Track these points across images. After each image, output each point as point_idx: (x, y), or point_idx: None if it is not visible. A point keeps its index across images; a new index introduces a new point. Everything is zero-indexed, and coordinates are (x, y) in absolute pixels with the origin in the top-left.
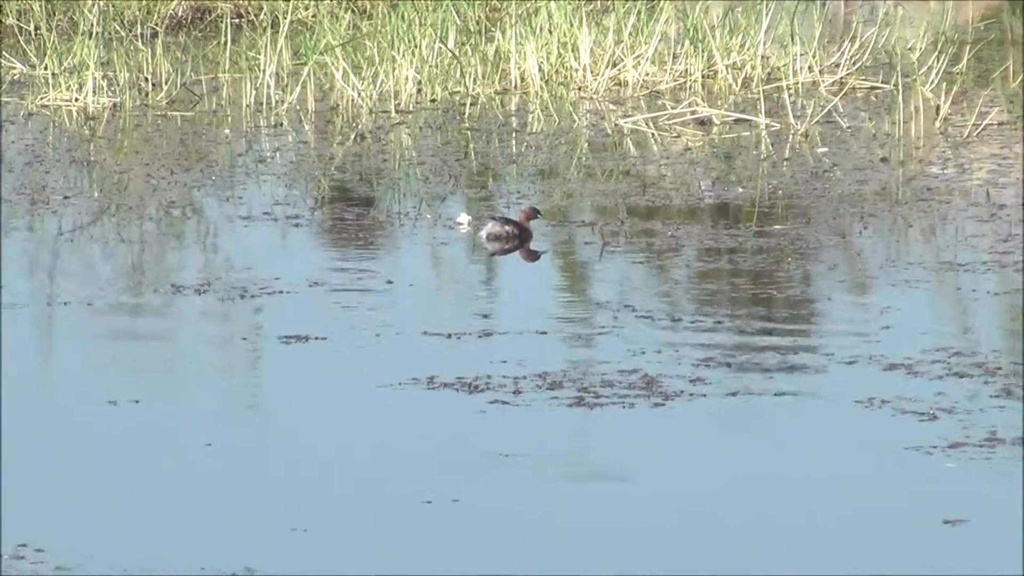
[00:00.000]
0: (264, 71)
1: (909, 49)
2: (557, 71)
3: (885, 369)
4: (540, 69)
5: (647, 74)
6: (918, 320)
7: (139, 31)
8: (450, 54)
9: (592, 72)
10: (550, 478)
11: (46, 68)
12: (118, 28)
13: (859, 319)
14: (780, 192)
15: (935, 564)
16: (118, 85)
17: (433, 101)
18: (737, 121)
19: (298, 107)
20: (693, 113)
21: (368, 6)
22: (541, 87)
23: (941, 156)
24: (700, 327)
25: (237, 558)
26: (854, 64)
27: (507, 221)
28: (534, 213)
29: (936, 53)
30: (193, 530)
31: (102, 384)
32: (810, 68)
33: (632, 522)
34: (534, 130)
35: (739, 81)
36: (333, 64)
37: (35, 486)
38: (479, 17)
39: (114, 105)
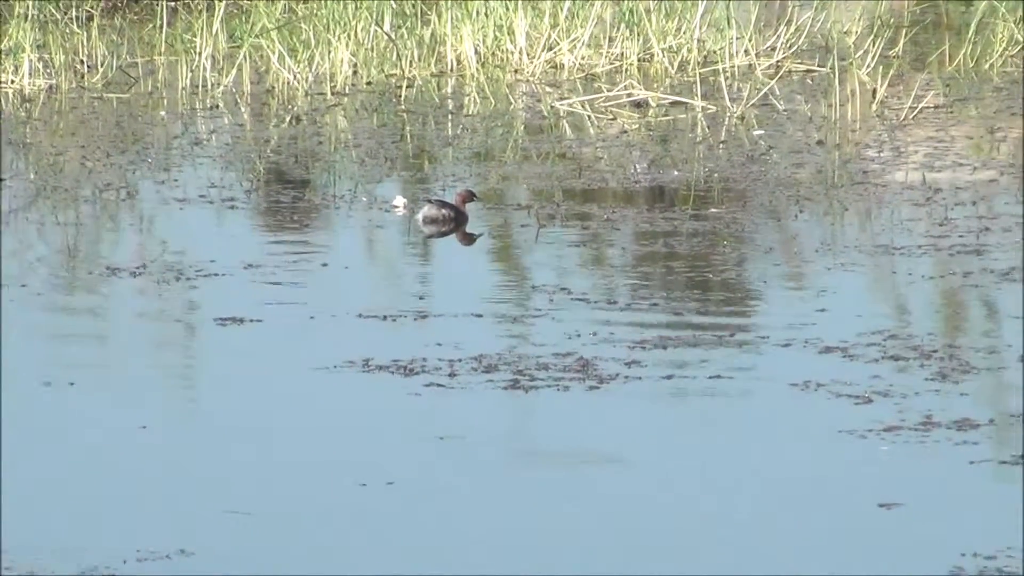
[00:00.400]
0: (200, 54)
1: (845, 32)
2: (493, 54)
3: (820, 352)
4: (476, 52)
5: (583, 57)
6: (854, 303)
7: (75, 13)
8: (386, 37)
9: (528, 55)
10: (485, 461)
11: None
12: (54, 10)
13: (795, 302)
14: (716, 175)
15: (870, 547)
16: (54, 67)
17: (369, 84)
18: (673, 104)
19: (234, 90)
20: (629, 96)
21: None
22: (477, 70)
23: (877, 139)
24: (636, 310)
25: (172, 540)
26: (790, 47)
27: (443, 204)
28: (470, 196)
29: (872, 36)
30: (128, 512)
31: (36, 366)
32: (746, 51)
33: (566, 504)
34: (470, 113)
35: (675, 64)
36: (269, 47)
37: None
38: (415, 0)
39: (50, 87)
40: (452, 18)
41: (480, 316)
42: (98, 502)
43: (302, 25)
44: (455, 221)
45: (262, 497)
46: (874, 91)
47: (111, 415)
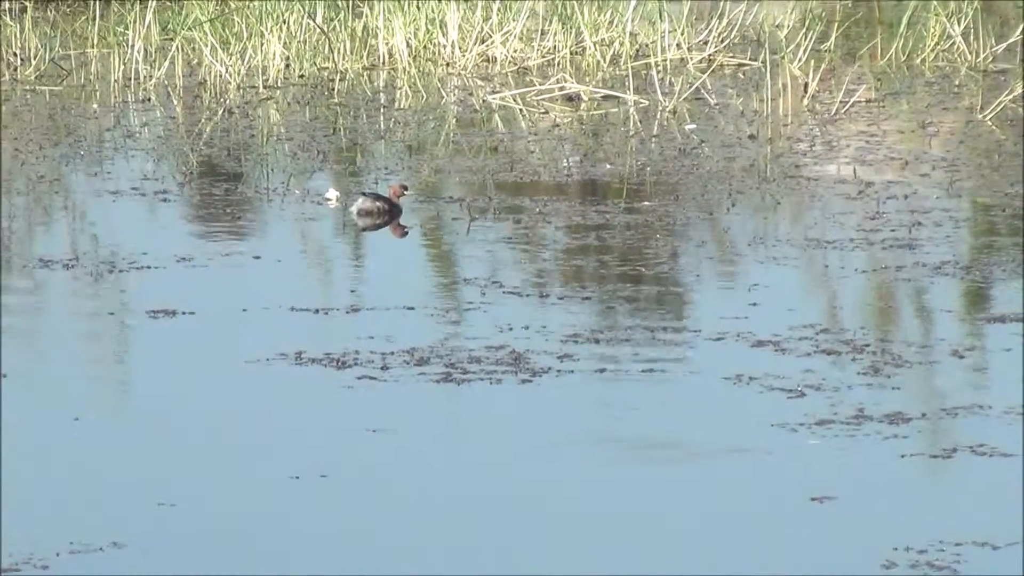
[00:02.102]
0: (132, 46)
1: (777, 26)
2: (425, 47)
3: (753, 346)
4: (408, 45)
5: (515, 50)
6: (786, 297)
7: (7, 6)
8: (318, 30)
9: (460, 48)
10: (417, 453)
11: None
12: None
13: (727, 296)
14: (648, 169)
15: (802, 541)
16: None
17: (301, 77)
18: (605, 98)
19: (166, 82)
20: (561, 89)
21: None
22: (409, 63)
23: (809, 134)
24: (568, 303)
25: (104, 533)
26: (722, 41)
27: (377, 197)
28: (403, 189)
29: (804, 31)
30: (60, 504)
31: None
32: (678, 45)
33: (494, 496)
34: (402, 106)
35: (607, 58)
36: (201, 39)
37: None
38: None
39: None
40: (384, 11)
41: (412, 309)
42: (30, 494)
43: (234, 18)
44: (389, 214)
45: (195, 489)
46: (806, 85)
47: (43, 407)
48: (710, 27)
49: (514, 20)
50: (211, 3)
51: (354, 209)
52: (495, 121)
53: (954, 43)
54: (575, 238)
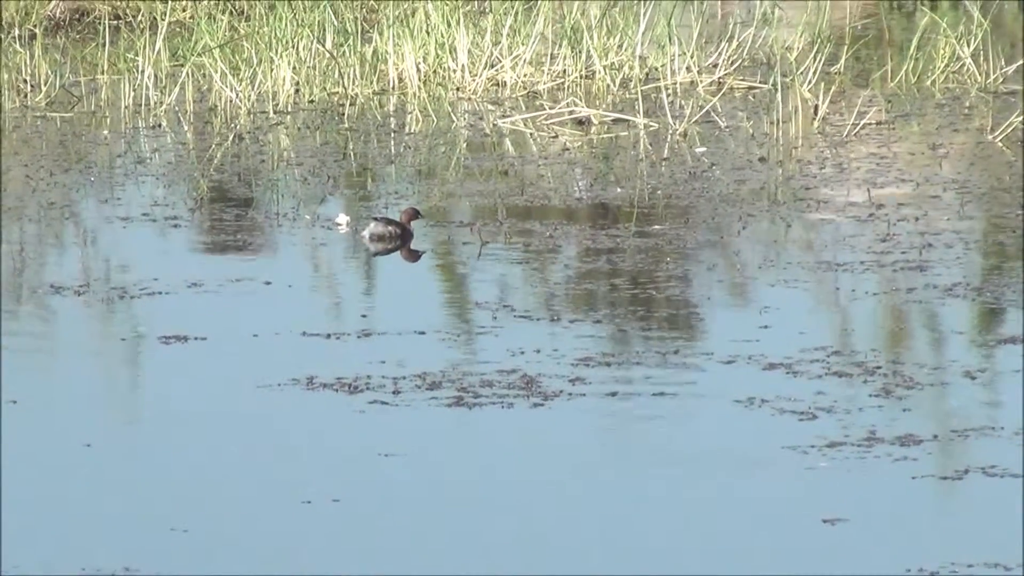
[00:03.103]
0: (142, 72)
1: (787, 49)
2: (435, 71)
3: (764, 369)
4: (418, 69)
5: (525, 75)
6: (797, 320)
7: (17, 33)
8: (328, 55)
9: (470, 72)
10: (429, 478)
11: None
12: None
13: (738, 319)
14: (659, 192)
15: (814, 563)
16: None
17: (311, 102)
18: (615, 121)
19: (177, 108)
20: (571, 113)
21: (246, 7)
22: (419, 88)
23: (819, 156)
24: (579, 327)
25: (117, 558)
26: (732, 64)
27: (389, 221)
28: (415, 214)
29: (814, 53)
30: (73, 530)
31: None
32: (688, 68)
33: (510, 523)
34: (412, 131)
35: (617, 81)
36: (211, 65)
37: None
38: (356, 18)
39: None
40: (394, 36)
41: (423, 333)
42: (42, 520)
43: (244, 43)
44: (401, 238)
45: (207, 515)
46: (816, 107)
47: (55, 433)
48: (720, 50)
49: (524, 44)
50: (221, 29)
51: (366, 234)
52: (505, 145)
53: (964, 65)
54: (586, 262)
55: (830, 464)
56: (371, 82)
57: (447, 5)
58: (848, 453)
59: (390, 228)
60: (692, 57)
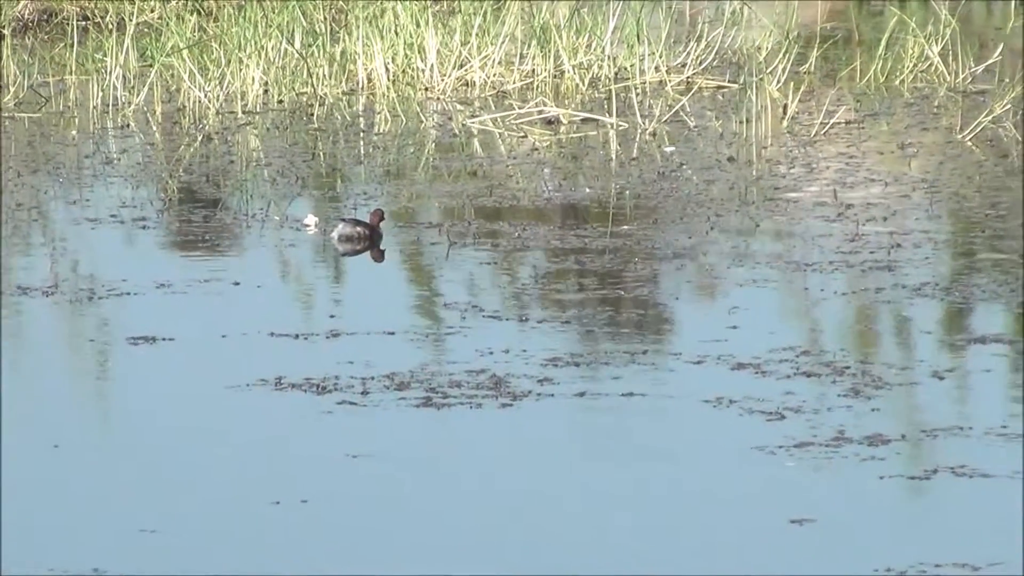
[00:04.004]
0: (111, 73)
1: (756, 48)
2: (404, 72)
3: (733, 369)
4: (387, 70)
5: (494, 74)
6: (766, 320)
7: None
8: (297, 55)
9: (439, 72)
10: (398, 478)
11: None
12: None
13: (707, 319)
14: (628, 192)
15: (782, 563)
16: None
17: (280, 102)
18: (584, 121)
19: (145, 109)
20: (540, 113)
21: (214, 8)
22: (388, 88)
23: (788, 155)
24: (548, 327)
25: (85, 559)
26: (701, 64)
27: (358, 222)
28: (382, 215)
29: (783, 52)
30: (41, 531)
31: None
32: (657, 68)
33: (479, 523)
34: (381, 131)
35: (586, 81)
36: (180, 66)
37: None
38: (325, 18)
39: None
40: (363, 36)
41: (392, 334)
42: (10, 521)
43: (213, 44)
44: (369, 239)
45: (176, 516)
46: (785, 107)
47: (22, 434)
48: (689, 49)
49: (493, 44)
50: (189, 29)
51: (335, 235)
52: (474, 145)
53: (933, 64)
54: (554, 262)
55: (797, 464)
56: (340, 82)
57: (416, 5)
58: (816, 453)
59: (358, 229)
60: (661, 57)
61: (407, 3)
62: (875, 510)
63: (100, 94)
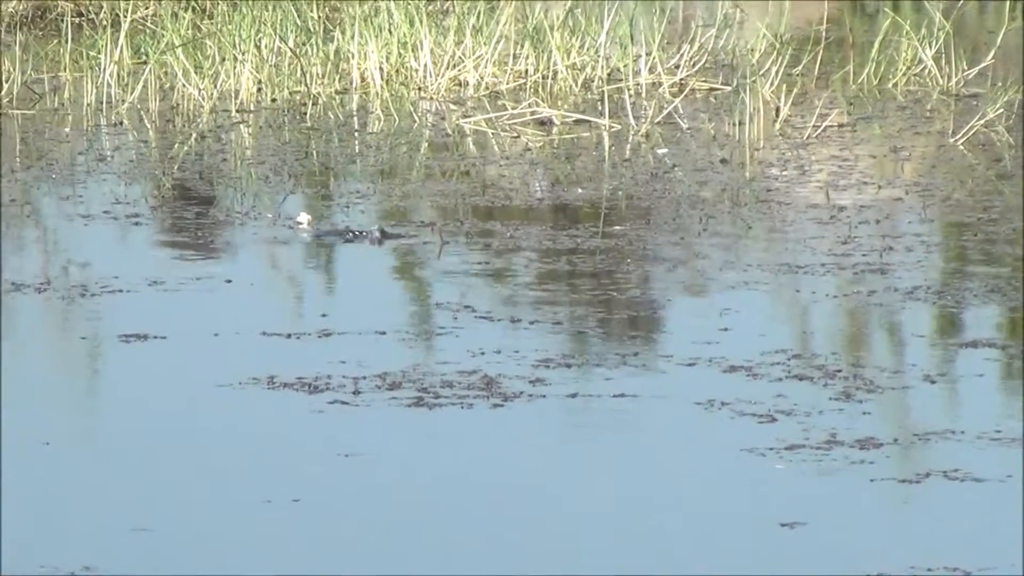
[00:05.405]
0: (105, 70)
1: (749, 51)
2: (398, 71)
3: (725, 371)
4: (380, 69)
5: (488, 75)
6: (757, 322)
7: None
8: (290, 54)
9: (433, 72)
10: (389, 478)
11: None
12: None
13: (699, 321)
14: (620, 193)
15: (772, 567)
16: None
17: (274, 101)
18: (577, 122)
19: (139, 106)
20: (533, 114)
21: (209, 6)
22: (382, 87)
23: (781, 157)
24: (540, 328)
25: (76, 557)
26: (694, 65)
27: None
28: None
29: (775, 55)
30: (31, 528)
31: None
32: (651, 69)
33: (470, 523)
34: (374, 130)
35: (579, 82)
36: (174, 63)
37: None
38: (319, 17)
39: None
40: (357, 35)
41: (384, 334)
42: (2, 519)
43: (207, 42)
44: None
45: (167, 514)
46: (778, 109)
47: (13, 431)
48: (681, 51)
49: (486, 44)
50: (184, 27)
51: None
52: (467, 145)
53: (926, 68)
54: (546, 263)
55: (787, 467)
56: (334, 81)
57: (410, 4)
58: (807, 456)
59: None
60: (655, 57)
61: (401, 2)
62: (866, 513)
63: (94, 91)
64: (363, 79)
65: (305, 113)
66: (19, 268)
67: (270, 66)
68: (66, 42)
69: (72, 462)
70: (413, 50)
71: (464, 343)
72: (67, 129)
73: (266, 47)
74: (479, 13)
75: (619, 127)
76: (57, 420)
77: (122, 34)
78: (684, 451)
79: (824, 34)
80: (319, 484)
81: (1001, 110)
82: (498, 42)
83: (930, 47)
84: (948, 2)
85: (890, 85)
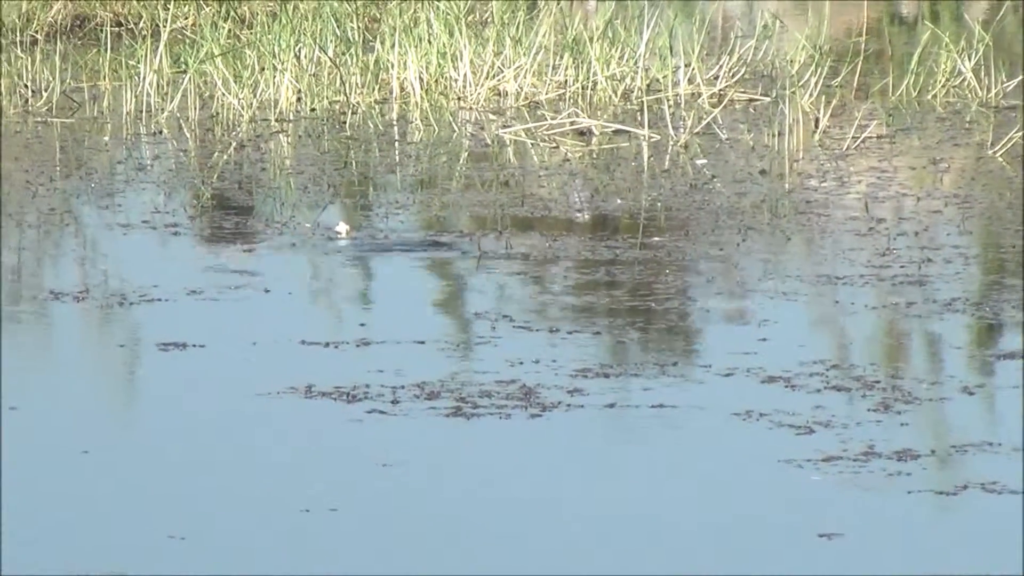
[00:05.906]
0: (144, 79)
1: (789, 62)
2: (437, 81)
3: (763, 382)
4: (420, 79)
5: (527, 85)
6: (796, 333)
7: (19, 38)
8: (330, 63)
9: (472, 82)
10: (427, 487)
11: None
12: None
13: (737, 331)
14: (659, 203)
15: None
16: None
17: (313, 110)
18: (616, 132)
19: (178, 115)
20: (572, 124)
21: (248, 15)
22: (421, 97)
23: (820, 169)
24: (578, 338)
25: (113, 565)
26: (733, 76)
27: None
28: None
29: (814, 66)
30: (69, 537)
31: None
32: (690, 80)
33: (507, 533)
34: (413, 140)
35: (619, 92)
36: (214, 72)
37: None
38: (359, 27)
39: None
40: (396, 45)
41: (422, 343)
42: (37, 526)
43: (246, 51)
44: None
45: (204, 523)
46: (817, 121)
47: (53, 440)
48: (721, 62)
49: (526, 54)
50: (223, 36)
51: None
52: (506, 155)
53: (965, 79)
54: (585, 273)
55: (824, 478)
56: (373, 91)
57: (449, 15)
58: (845, 467)
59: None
60: (693, 68)
61: (440, 13)
62: (904, 525)
63: (133, 100)
64: (402, 89)
65: (344, 123)
66: (58, 277)
67: (309, 75)
68: (105, 51)
69: (110, 470)
70: (452, 60)
71: (502, 353)
72: (106, 138)
73: (305, 57)
74: (518, 23)
75: (658, 138)
76: (95, 429)
77: (161, 43)
78: (722, 461)
79: (863, 46)
80: (357, 493)
81: None
82: (537, 52)
83: (969, 59)
84: (986, 14)
85: (929, 97)
